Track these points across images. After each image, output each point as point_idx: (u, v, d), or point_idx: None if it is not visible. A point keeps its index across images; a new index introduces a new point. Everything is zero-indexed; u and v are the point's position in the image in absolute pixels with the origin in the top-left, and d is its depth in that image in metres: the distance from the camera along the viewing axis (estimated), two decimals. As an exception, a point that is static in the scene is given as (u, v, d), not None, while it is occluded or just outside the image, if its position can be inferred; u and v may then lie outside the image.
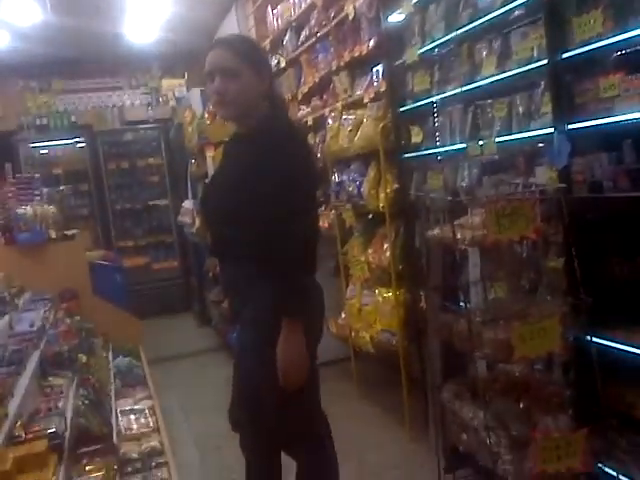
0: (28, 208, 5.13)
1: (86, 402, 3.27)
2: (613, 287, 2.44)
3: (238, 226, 2.33)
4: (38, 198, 5.49)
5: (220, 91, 2.35)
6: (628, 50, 2.35)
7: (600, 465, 2.43)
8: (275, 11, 6.04)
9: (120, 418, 3.80)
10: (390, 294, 4.05)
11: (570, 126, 2.46)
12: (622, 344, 2.35)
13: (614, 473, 2.38)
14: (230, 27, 7.25)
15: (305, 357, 2.25)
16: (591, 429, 2.32)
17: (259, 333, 2.33)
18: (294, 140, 2.38)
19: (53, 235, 5.17)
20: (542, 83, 2.67)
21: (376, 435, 4.13)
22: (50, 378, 3.41)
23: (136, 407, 4.02)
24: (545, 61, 2.54)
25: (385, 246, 4.08)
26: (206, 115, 6.22)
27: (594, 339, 2.40)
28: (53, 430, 2.68)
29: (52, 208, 5.40)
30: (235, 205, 2.33)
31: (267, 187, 2.21)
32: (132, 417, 3.85)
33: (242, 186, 2.30)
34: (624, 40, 2.25)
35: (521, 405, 2.60)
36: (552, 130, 2.51)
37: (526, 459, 2.37)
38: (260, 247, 2.24)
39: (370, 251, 4.27)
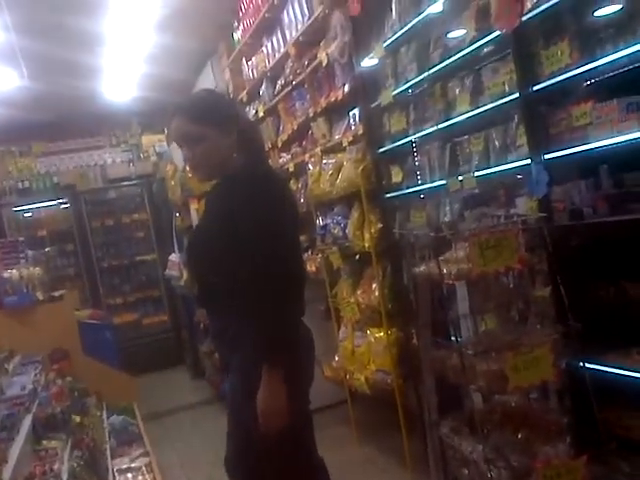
0: (14, 271, 5.12)
1: (81, 463, 3.22)
2: (601, 311, 2.46)
3: (221, 275, 2.35)
4: (24, 261, 5.48)
5: (188, 157, 2.42)
6: (597, 78, 2.41)
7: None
8: (250, 63, 6.12)
9: (117, 477, 3.74)
10: (382, 333, 4.04)
11: (546, 156, 2.51)
12: (615, 368, 2.37)
13: (617, 498, 2.38)
14: (207, 81, 7.33)
15: (282, 402, 2.23)
16: (591, 455, 2.31)
17: (246, 382, 2.32)
18: (271, 184, 2.39)
19: (40, 297, 5.16)
20: (516, 116, 2.73)
21: (377, 476, 4.07)
22: (44, 441, 3.37)
23: (133, 465, 3.97)
24: (517, 94, 2.60)
25: (374, 286, 4.10)
26: (187, 169, 6.26)
27: (587, 365, 2.41)
28: (50, 494, 2.64)
29: (38, 270, 5.39)
30: (216, 254, 2.35)
31: (245, 233, 2.23)
32: (129, 475, 3.80)
33: (221, 234, 2.31)
34: (592, 69, 2.31)
35: (519, 436, 2.58)
36: (529, 161, 2.56)
37: (529, 490, 2.36)
38: (243, 295, 2.25)
39: (359, 292, 4.28)
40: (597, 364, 2.43)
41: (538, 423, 2.61)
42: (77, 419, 3.82)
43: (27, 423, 3.20)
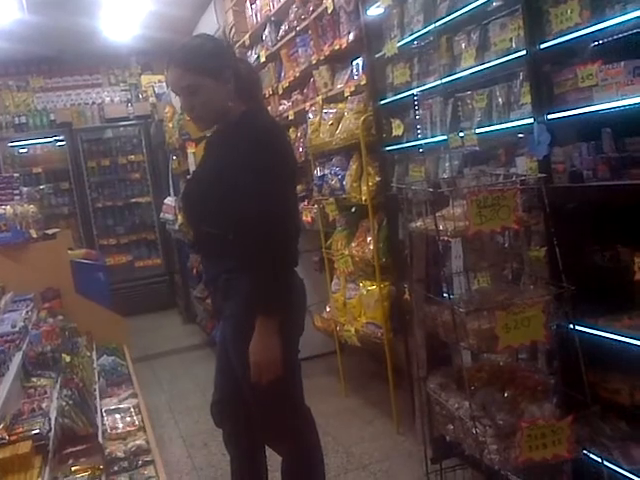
0: (8, 208, 5.08)
1: (70, 402, 3.24)
2: (594, 275, 2.46)
3: (218, 223, 2.34)
4: (18, 198, 5.44)
5: (187, 108, 2.40)
6: (605, 40, 2.36)
7: (585, 452, 2.45)
8: (254, 6, 6.00)
9: (105, 417, 3.77)
10: (374, 287, 4.05)
11: (549, 116, 2.47)
12: (604, 331, 2.38)
13: (599, 459, 2.41)
14: (209, 22, 7.19)
15: (277, 354, 2.25)
16: (576, 416, 2.34)
17: (238, 329, 2.34)
18: (271, 135, 2.37)
19: (34, 234, 5.12)
20: (521, 74, 2.68)
21: (363, 429, 4.14)
22: (33, 379, 3.39)
23: (121, 406, 3.99)
24: (524, 52, 2.55)
25: (368, 239, 4.09)
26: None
27: (577, 327, 2.42)
28: (37, 431, 2.65)
29: (32, 207, 5.35)
30: (213, 202, 2.34)
31: (244, 181, 2.22)
32: (117, 416, 3.82)
33: (220, 182, 2.30)
34: (601, 30, 2.25)
35: (506, 394, 2.61)
36: (532, 120, 2.52)
37: (512, 448, 2.38)
38: (240, 244, 2.24)
39: (354, 244, 4.27)
40: (587, 327, 2.44)
41: (525, 383, 2.63)
42: (67, 358, 3.83)
43: (17, 360, 3.21)
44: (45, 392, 3.19)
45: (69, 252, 5.63)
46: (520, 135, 2.75)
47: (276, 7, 5.40)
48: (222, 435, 2.70)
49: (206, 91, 2.33)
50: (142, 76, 9.37)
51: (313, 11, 4.67)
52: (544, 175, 2.45)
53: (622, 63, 2.19)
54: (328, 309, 4.77)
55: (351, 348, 4.57)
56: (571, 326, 2.41)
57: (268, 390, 2.29)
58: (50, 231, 5.44)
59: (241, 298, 2.31)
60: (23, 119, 8.85)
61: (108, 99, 9.34)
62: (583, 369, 2.36)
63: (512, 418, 2.45)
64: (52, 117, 8.94)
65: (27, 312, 3.96)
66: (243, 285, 2.28)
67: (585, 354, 2.38)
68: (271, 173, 2.23)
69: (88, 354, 4.62)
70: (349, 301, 4.38)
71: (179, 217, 6.25)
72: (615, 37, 2.31)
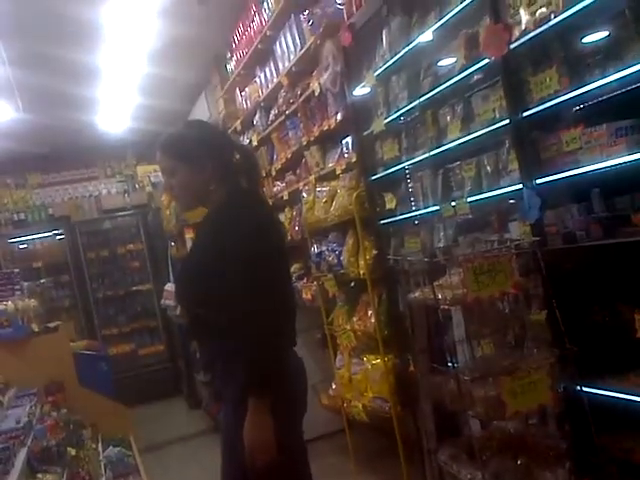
0: (9, 303, 5.09)
1: (77, 497, 3.18)
2: (597, 335, 2.46)
3: (208, 307, 2.36)
4: (19, 293, 5.45)
5: (167, 188, 2.57)
6: (585, 104, 2.44)
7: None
8: (244, 93, 6.18)
9: (114, 511, 3.69)
10: (379, 360, 4.03)
11: (538, 181, 2.52)
12: (612, 391, 2.36)
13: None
14: (201, 111, 7.38)
15: (269, 435, 2.22)
16: (591, 480, 2.30)
17: (237, 415, 2.30)
18: (253, 215, 2.40)
19: (35, 329, 5.12)
20: (507, 141, 2.75)
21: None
22: (39, 475, 3.31)
23: (130, 498, 3.91)
24: (507, 121, 2.62)
25: (369, 313, 4.09)
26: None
27: (584, 388, 2.40)
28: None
29: (33, 302, 5.36)
30: (202, 288, 2.36)
31: (230, 270, 2.24)
32: (126, 509, 3.74)
33: (206, 268, 2.33)
34: (580, 95, 2.33)
35: (519, 462, 2.57)
36: (521, 186, 2.57)
37: (529, 518, 2.34)
38: (231, 327, 2.25)
39: (355, 319, 4.27)
40: (594, 388, 2.42)
41: (537, 449, 2.59)
42: (72, 452, 3.77)
43: (22, 457, 3.16)
44: (51, 488, 3.13)
45: (71, 344, 5.60)
46: (511, 201, 2.80)
47: (265, 93, 5.56)
48: None
49: (182, 175, 2.44)
50: (138, 167, 9.53)
51: (301, 95, 4.80)
52: (538, 238, 2.49)
53: (604, 125, 2.26)
54: (334, 386, 4.72)
55: (360, 424, 4.50)
56: (578, 388, 2.39)
57: (271, 476, 2.24)
58: (52, 324, 5.43)
59: (237, 382, 2.29)
60: (22, 215, 8.98)
61: (105, 191, 9.49)
62: (594, 430, 2.33)
63: (526, 486, 2.41)
64: (50, 211, 9.07)
65: (31, 407, 3.92)
66: (238, 370, 2.27)
67: (595, 415, 2.36)
68: (254, 253, 2.24)
69: (94, 446, 4.53)
70: (354, 377, 4.34)
71: (179, 302, 6.24)
72: (595, 101, 2.38)
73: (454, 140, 3.04)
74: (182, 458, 5.93)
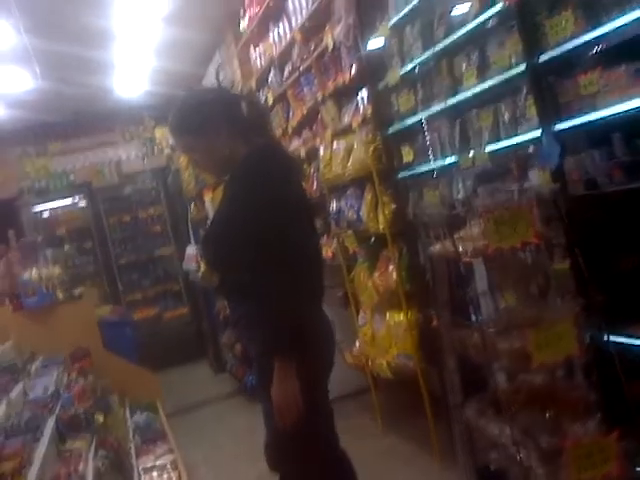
0: (33, 272, 5.13)
1: (106, 463, 3.22)
2: (623, 282, 2.40)
3: (236, 264, 2.35)
4: (43, 260, 5.49)
5: (192, 164, 2.62)
6: (602, 46, 2.35)
7: (638, 469, 2.35)
8: (257, 51, 6.09)
9: (142, 476, 3.73)
10: (401, 316, 3.99)
11: (557, 126, 2.45)
12: (640, 339, 2.31)
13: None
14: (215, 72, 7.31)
15: (295, 398, 2.22)
16: (622, 431, 2.26)
17: (262, 373, 2.31)
18: (275, 170, 2.37)
19: (60, 296, 5.16)
20: (524, 88, 2.67)
21: (404, 469, 3.94)
22: (68, 442, 3.37)
23: (158, 463, 3.94)
24: (524, 66, 2.54)
25: (390, 268, 4.04)
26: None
27: (612, 338, 2.34)
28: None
29: (57, 269, 5.40)
30: (229, 248, 2.35)
31: (256, 224, 2.23)
32: (154, 474, 3.77)
33: (233, 228, 2.31)
34: (597, 37, 2.25)
35: (547, 415, 2.52)
36: (539, 133, 2.50)
37: (559, 470, 2.30)
38: (258, 287, 2.23)
39: (376, 275, 4.22)
40: (622, 336, 2.37)
41: (566, 401, 2.55)
42: (100, 418, 3.81)
43: (51, 424, 3.20)
44: (80, 454, 3.17)
45: (96, 310, 5.65)
46: (530, 148, 2.72)
47: (279, 50, 5.47)
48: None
49: (201, 146, 2.44)
50: (156, 130, 9.48)
51: (314, 50, 4.72)
52: (558, 185, 2.41)
53: (622, 67, 2.18)
54: (357, 344, 4.70)
55: (385, 382, 4.48)
56: (605, 337, 2.34)
57: (298, 435, 2.25)
58: (76, 291, 5.47)
59: (260, 340, 2.29)
60: (44, 183, 8.99)
61: (124, 156, 9.47)
62: (623, 380, 2.28)
63: (556, 439, 2.37)
64: (71, 178, 9.08)
65: (58, 375, 3.96)
66: (263, 327, 2.25)
67: (623, 364, 2.31)
68: (283, 205, 2.26)
69: (121, 412, 4.60)
70: (377, 333, 4.32)
71: (201, 265, 6.25)
72: (613, 42, 2.29)
73: (470, 89, 2.96)
74: (209, 421, 5.95)
